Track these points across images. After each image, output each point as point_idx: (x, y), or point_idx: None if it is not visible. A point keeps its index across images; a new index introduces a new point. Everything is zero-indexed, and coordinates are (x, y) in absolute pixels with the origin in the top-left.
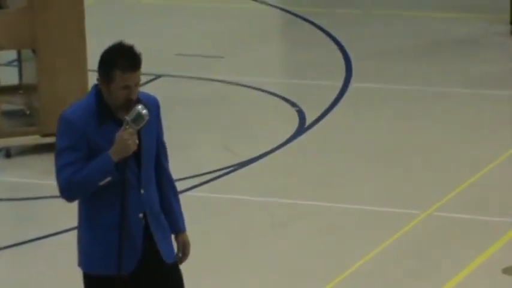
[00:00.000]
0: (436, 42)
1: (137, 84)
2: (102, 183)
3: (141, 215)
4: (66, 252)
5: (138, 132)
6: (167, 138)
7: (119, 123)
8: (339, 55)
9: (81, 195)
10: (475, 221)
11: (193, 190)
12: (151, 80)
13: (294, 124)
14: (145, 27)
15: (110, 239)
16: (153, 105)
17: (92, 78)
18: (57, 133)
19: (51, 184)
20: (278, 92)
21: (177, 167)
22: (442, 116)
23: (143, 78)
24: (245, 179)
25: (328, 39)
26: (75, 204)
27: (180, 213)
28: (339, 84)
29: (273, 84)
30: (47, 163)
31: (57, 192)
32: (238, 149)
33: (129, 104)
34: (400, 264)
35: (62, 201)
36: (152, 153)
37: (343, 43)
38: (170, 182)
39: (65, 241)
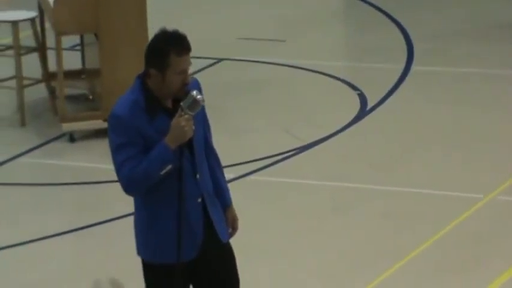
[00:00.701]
0: (497, 24)
1: (189, 68)
2: (163, 172)
3: (199, 200)
4: (126, 237)
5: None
6: (228, 122)
7: (169, 113)
8: (401, 38)
9: (145, 189)
10: None
11: (254, 174)
12: (212, 64)
13: (356, 108)
14: (206, 12)
15: (169, 228)
16: (197, 87)
17: None
18: (109, 131)
19: (112, 168)
20: (339, 76)
21: (237, 151)
22: (506, 98)
23: (204, 63)
24: (306, 163)
25: (389, 22)
26: None
27: (227, 189)
28: (401, 67)
29: (334, 68)
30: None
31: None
32: (299, 132)
33: (185, 88)
34: (462, 249)
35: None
36: (202, 136)
37: (405, 25)
38: (216, 159)
39: (124, 226)
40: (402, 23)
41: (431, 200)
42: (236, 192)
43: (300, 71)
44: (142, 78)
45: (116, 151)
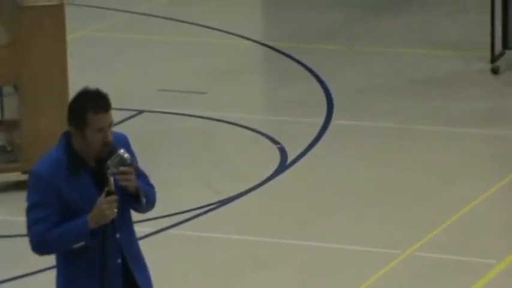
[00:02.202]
0: (417, 80)
1: (111, 125)
2: (75, 246)
3: (119, 260)
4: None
5: (105, 176)
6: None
7: (92, 173)
8: (321, 92)
9: (53, 253)
10: (456, 261)
11: (175, 228)
12: (133, 116)
13: (276, 161)
14: (127, 63)
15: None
16: (124, 143)
17: None
18: (28, 188)
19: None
20: (260, 129)
21: (157, 204)
22: (423, 155)
23: (125, 114)
24: (226, 217)
25: (310, 76)
26: None
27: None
28: (321, 121)
29: (255, 121)
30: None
31: None
32: (220, 186)
33: (107, 147)
34: None
35: None
36: (124, 197)
37: (325, 79)
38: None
39: (41, 280)
40: (324, 77)
41: (350, 255)
42: (154, 246)
43: (221, 123)
44: (67, 137)
45: (30, 209)
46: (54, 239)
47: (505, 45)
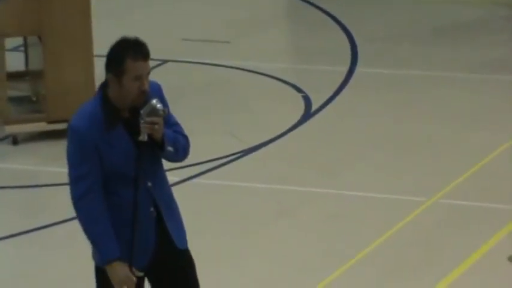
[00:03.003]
0: (442, 27)
1: (148, 74)
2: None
3: (152, 209)
4: (74, 240)
5: (138, 125)
6: None
7: (126, 123)
8: (345, 40)
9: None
10: (480, 208)
11: (199, 177)
12: (157, 66)
13: (300, 110)
14: (150, 13)
15: (122, 235)
16: (156, 91)
17: (98, 65)
18: (67, 140)
19: (57, 171)
20: (284, 78)
21: None
22: (446, 102)
23: (150, 64)
24: (251, 165)
25: (334, 24)
26: None
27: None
28: (345, 69)
29: (279, 70)
30: (54, 149)
31: (63, 180)
32: (244, 135)
33: (143, 95)
34: (406, 251)
35: (66, 189)
36: (152, 146)
37: (349, 28)
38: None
39: (73, 229)
40: (348, 25)
41: (376, 203)
42: (181, 195)
43: (245, 72)
44: (103, 88)
45: (70, 163)
46: (83, 219)
47: None
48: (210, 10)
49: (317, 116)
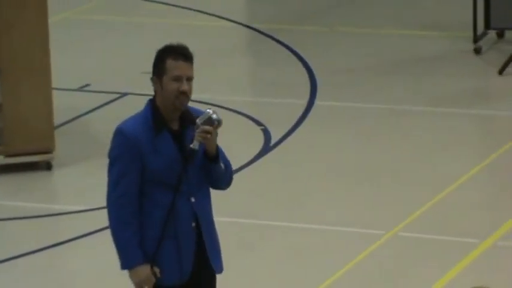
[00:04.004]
0: (400, 60)
1: (189, 80)
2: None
3: (193, 224)
4: (34, 274)
5: (185, 144)
6: None
7: (173, 135)
8: (304, 73)
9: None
10: (439, 241)
11: None
12: (116, 99)
13: (259, 143)
14: (109, 45)
15: (153, 241)
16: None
17: (57, 97)
18: (111, 145)
19: (14, 205)
20: (243, 110)
21: None
22: (406, 135)
23: (108, 97)
24: (212, 199)
25: (293, 57)
26: (39, 226)
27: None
28: (304, 102)
29: (238, 103)
30: (11, 184)
31: (20, 214)
32: None
33: (182, 97)
34: (366, 285)
35: (24, 223)
36: (201, 161)
37: (308, 61)
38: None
39: (33, 262)
40: (307, 58)
41: (336, 236)
42: None
43: (204, 105)
44: (152, 99)
45: (113, 164)
46: (113, 222)
47: (487, 25)
48: (168, 42)
49: (276, 149)
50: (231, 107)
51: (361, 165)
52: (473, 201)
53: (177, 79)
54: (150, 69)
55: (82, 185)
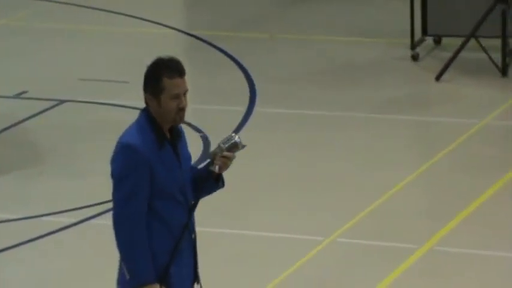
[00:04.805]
0: (339, 67)
1: (185, 93)
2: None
3: (193, 236)
4: None
5: (179, 152)
6: (72, 165)
7: (170, 145)
8: (243, 80)
9: (118, 237)
10: (378, 247)
11: (95, 219)
12: (54, 106)
13: (198, 150)
14: (46, 53)
15: (161, 256)
16: (182, 132)
17: None
18: (117, 159)
19: None
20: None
21: (78, 194)
22: (346, 142)
23: (45, 104)
24: None
25: (232, 64)
26: None
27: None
28: (243, 109)
29: None
30: None
31: None
32: None
33: (182, 113)
34: None
35: None
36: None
37: (248, 68)
38: None
39: None
40: (247, 65)
41: (277, 242)
42: (78, 237)
43: None
44: (146, 109)
45: (121, 180)
46: (129, 242)
47: (424, 32)
48: (108, 50)
49: None
50: None
51: (300, 172)
52: (411, 207)
53: (176, 97)
54: (88, 76)
55: (19, 193)
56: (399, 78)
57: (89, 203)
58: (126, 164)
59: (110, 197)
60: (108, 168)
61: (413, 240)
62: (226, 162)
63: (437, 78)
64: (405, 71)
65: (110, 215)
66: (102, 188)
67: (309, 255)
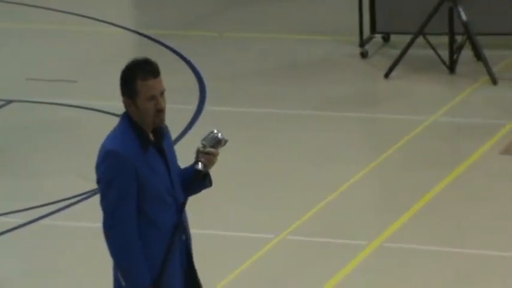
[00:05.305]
0: (289, 65)
1: (163, 94)
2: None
3: (184, 238)
4: None
5: (165, 154)
6: (20, 166)
7: (155, 146)
8: (193, 78)
9: (110, 240)
10: (328, 243)
11: (47, 218)
12: (1, 106)
13: None
14: None
15: (153, 259)
16: (168, 133)
17: None
18: (102, 165)
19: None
20: None
21: (29, 194)
22: (295, 139)
23: None
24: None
25: (182, 63)
26: None
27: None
28: (193, 107)
29: None
30: None
31: None
32: (91, 175)
33: (161, 115)
34: None
35: None
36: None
37: (197, 66)
38: None
39: None
40: (196, 64)
41: (226, 240)
42: (27, 238)
43: (92, 112)
44: (126, 114)
45: (109, 186)
46: (122, 248)
47: (373, 30)
48: (57, 49)
49: None
50: (119, 114)
51: (250, 170)
52: (361, 203)
53: (152, 98)
54: (37, 75)
55: None
56: (348, 75)
57: (39, 203)
58: (112, 170)
59: (61, 196)
60: (57, 168)
61: (363, 236)
62: (211, 159)
63: (386, 75)
64: (354, 69)
65: (61, 214)
66: (54, 187)
67: (259, 253)
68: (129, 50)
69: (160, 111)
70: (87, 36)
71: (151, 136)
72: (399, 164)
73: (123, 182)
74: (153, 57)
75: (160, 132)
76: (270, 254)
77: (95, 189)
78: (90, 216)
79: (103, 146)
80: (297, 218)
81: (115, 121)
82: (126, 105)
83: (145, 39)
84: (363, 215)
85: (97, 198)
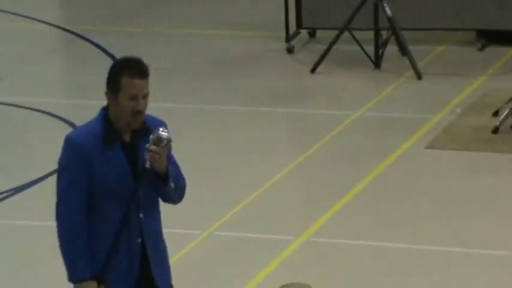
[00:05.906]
0: (214, 60)
1: (145, 97)
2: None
3: (139, 240)
4: None
5: (137, 155)
6: None
7: (125, 147)
8: None
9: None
10: (255, 239)
11: None
12: None
13: None
14: None
15: (102, 253)
16: (150, 135)
17: None
18: (62, 152)
19: None
20: (59, 113)
21: None
22: (222, 134)
23: None
24: (25, 203)
25: (108, 59)
26: None
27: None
28: None
29: (53, 105)
30: None
31: None
32: (18, 173)
33: (138, 116)
34: (181, 285)
35: None
36: (152, 176)
37: None
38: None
39: None
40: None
41: None
42: None
43: (19, 109)
44: (105, 108)
45: (62, 172)
46: (66, 236)
47: (299, 25)
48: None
49: None
50: (45, 110)
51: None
52: (287, 198)
53: (133, 98)
54: None
55: None
56: (275, 70)
57: None
58: (65, 157)
59: None
60: None
61: (289, 231)
62: (153, 156)
63: (312, 70)
64: (280, 64)
65: None
66: None
67: (186, 249)
68: (56, 46)
69: (137, 113)
70: (14, 33)
71: (128, 135)
72: (325, 159)
73: (74, 170)
74: (80, 53)
75: (141, 133)
76: (197, 250)
77: (22, 186)
78: (15, 214)
79: (67, 134)
80: (224, 214)
81: (42, 117)
82: (108, 98)
83: (72, 35)
84: (289, 210)
85: (23, 195)
